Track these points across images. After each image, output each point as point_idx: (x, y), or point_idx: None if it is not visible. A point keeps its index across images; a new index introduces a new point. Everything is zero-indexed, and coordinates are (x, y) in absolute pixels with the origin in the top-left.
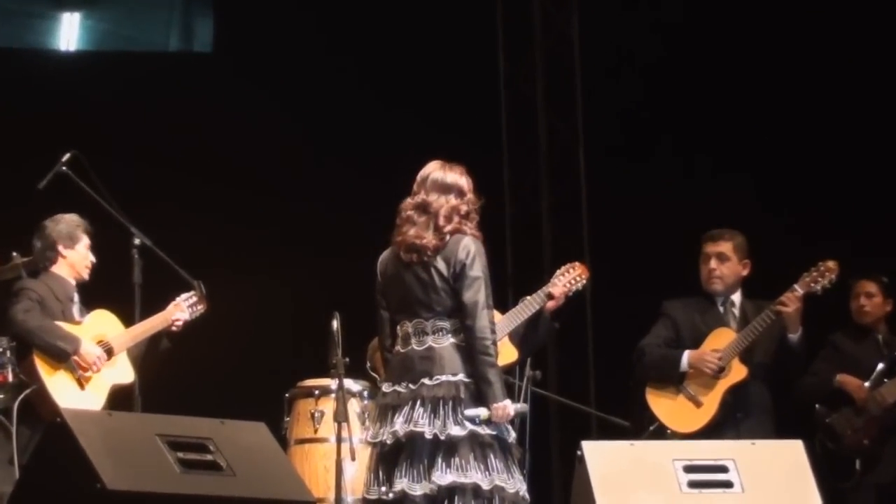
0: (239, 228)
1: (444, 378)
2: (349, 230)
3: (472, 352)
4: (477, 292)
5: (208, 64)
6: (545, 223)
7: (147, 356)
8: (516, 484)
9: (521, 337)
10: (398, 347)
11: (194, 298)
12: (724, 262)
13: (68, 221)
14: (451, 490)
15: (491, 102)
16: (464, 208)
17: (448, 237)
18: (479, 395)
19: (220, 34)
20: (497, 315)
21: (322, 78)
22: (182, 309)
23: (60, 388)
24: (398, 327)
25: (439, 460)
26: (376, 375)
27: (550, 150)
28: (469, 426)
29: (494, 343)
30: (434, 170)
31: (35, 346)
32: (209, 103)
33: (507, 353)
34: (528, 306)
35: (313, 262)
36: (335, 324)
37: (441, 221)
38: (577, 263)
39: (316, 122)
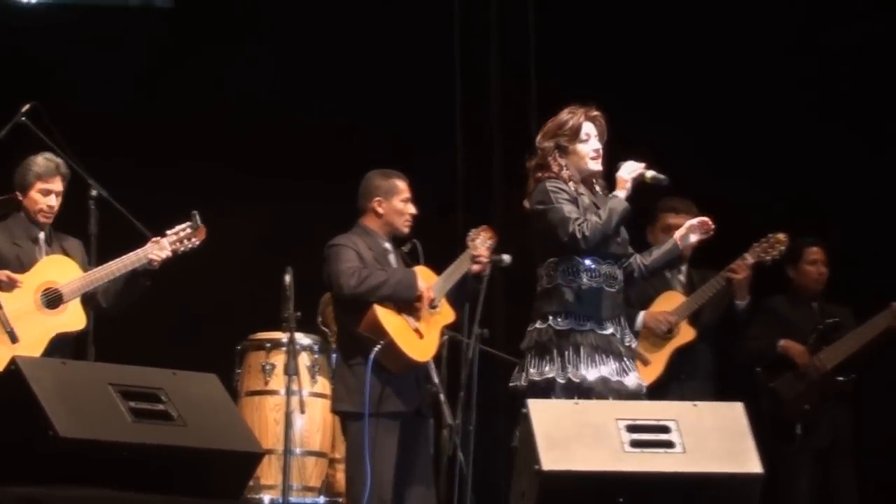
0: (194, 180)
1: None
2: (305, 185)
3: None
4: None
5: (170, 19)
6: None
7: (124, 293)
8: None
9: (454, 297)
10: None
11: (189, 230)
12: None
13: (25, 164)
14: None
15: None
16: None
17: None
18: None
19: None
20: (430, 274)
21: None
22: (164, 247)
23: None
24: None
25: None
26: (327, 330)
27: None
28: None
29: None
30: None
31: None
32: (169, 58)
33: (447, 314)
34: (457, 269)
35: (267, 216)
36: (287, 278)
37: None
38: (484, 226)
39: (280, 80)
